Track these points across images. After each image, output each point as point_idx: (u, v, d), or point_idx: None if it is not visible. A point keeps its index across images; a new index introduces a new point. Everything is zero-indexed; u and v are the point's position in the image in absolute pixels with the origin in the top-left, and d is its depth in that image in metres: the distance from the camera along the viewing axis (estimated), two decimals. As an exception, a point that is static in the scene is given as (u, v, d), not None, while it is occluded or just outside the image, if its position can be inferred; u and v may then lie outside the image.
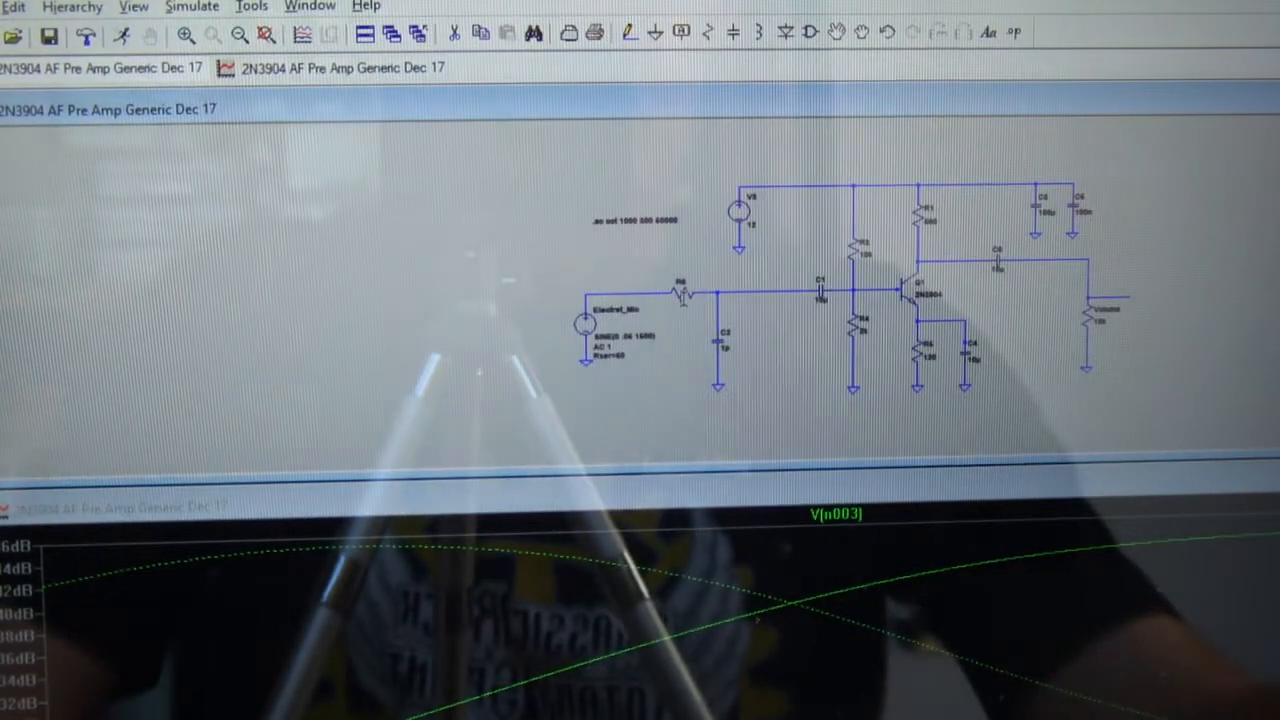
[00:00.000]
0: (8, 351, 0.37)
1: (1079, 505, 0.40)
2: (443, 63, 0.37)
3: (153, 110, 0.37)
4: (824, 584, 0.40)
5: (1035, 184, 0.39)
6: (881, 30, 0.38)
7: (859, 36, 0.38)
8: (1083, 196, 0.39)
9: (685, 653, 0.40)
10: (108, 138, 0.37)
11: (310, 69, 0.37)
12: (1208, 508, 0.40)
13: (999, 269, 0.39)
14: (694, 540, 0.40)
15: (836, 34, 0.38)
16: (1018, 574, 0.40)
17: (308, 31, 0.37)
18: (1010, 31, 0.38)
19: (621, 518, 0.39)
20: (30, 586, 0.38)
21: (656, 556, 0.40)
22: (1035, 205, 0.39)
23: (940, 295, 0.39)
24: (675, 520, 0.39)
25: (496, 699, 0.41)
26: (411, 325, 0.38)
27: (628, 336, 0.38)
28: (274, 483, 0.38)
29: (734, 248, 0.38)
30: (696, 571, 0.40)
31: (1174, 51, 0.39)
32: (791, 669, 0.41)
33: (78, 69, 0.36)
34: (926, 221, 0.39)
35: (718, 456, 0.39)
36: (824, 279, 0.39)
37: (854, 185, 0.39)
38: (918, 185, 0.39)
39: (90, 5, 0.36)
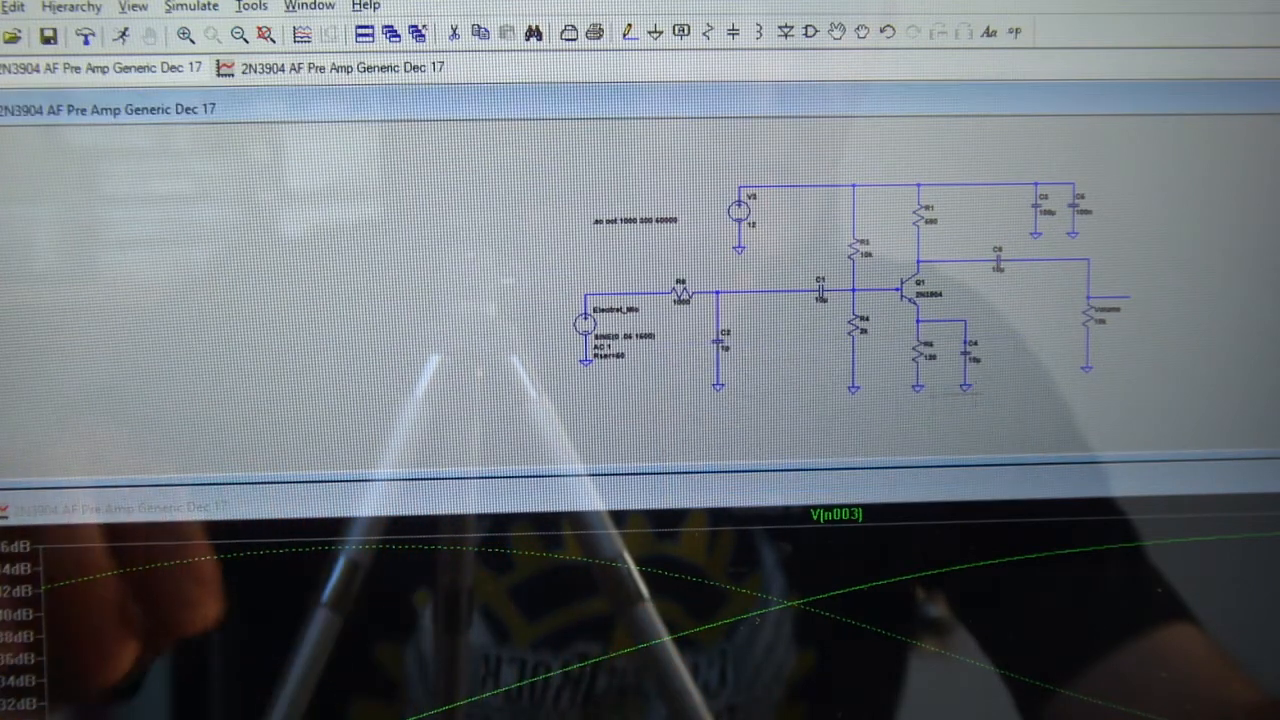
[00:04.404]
0: (7, 351, 0.37)
1: (1080, 506, 0.40)
2: (442, 63, 0.37)
3: (152, 110, 0.37)
4: (824, 584, 0.40)
5: (1035, 184, 0.39)
6: (881, 30, 0.38)
7: (859, 36, 0.38)
8: (1083, 196, 0.39)
9: (686, 655, 0.40)
10: (107, 138, 0.37)
11: (310, 69, 0.37)
12: (1208, 508, 0.40)
13: (999, 269, 0.39)
14: (694, 541, 0.40)
15: (836, 34, 0.38)
16: (1018, 574, 0.40)
17: (307, 31, 0.37)
18: (1010, 31, 0.38)
19: (621, 518, 0.39)
20: (30, 587, 0.38)
21: (657, 557, 0.40)
22: (1035, 205, 0.39)
23: (940, 295, 0.39)
24: (675, 520, 0.39)
25: (498, 700, 0.41)
26: (411, 325, 0.38)
27: (628, 336, 0.38)
28: (274, 483, 0.38)
29: (734, 248, 0.38)
30: (695, 572, 0.40)
31: (1174, 51, 0.39)
32: (791, 669, 0.41)
33: (77, 69, 0.36)
34: (926, 221, 0.39)
35: (718, 456, 0.39)
36: (824, 279, 0.39)
37: (854, 185, 0.39)
38: (918, 185, 0.39)
39: (90, 5, 0.36)
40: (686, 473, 0.39)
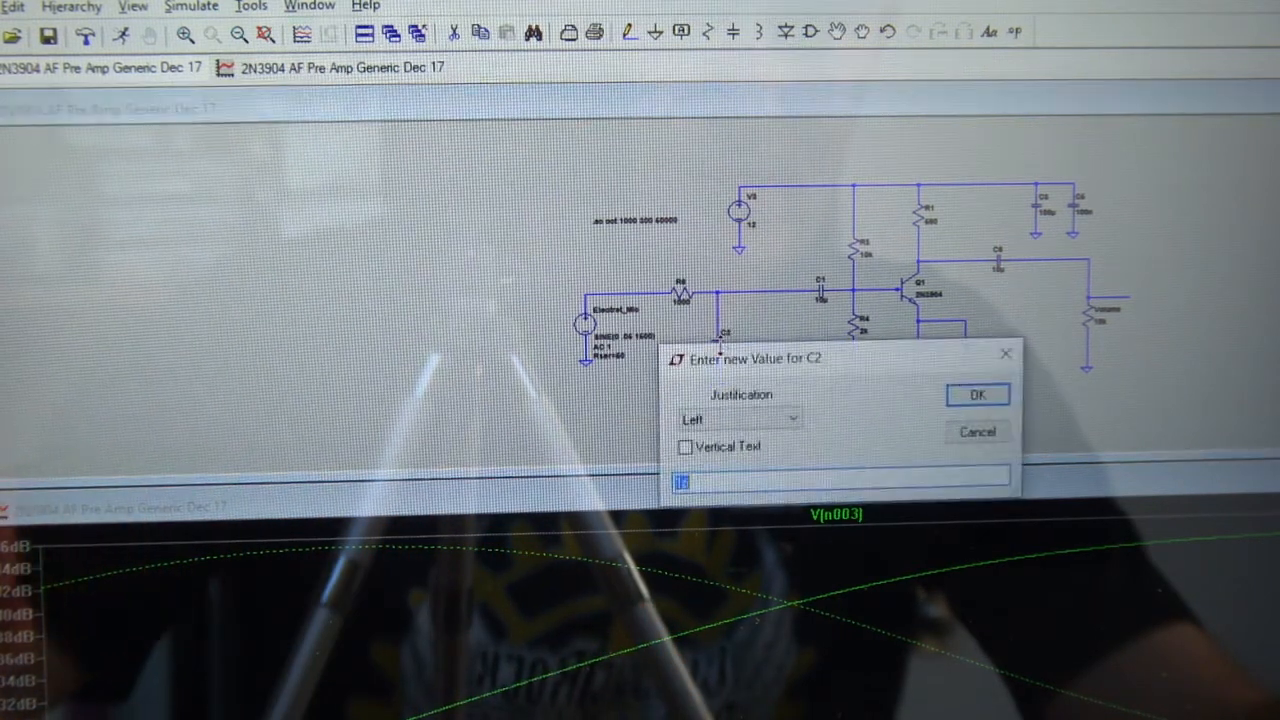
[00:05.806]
0: (7, 351, 0.37)
1: (1080, 506, 0.40)
2: (442, 63, 0.37)
3: (152, 110, 0.37)
4: (824, 584, 0.40)
5: (1035, 184, 0.39)
6: (882, 30, 0.38)
7: (859, 36, 0.38)
8: (1083, 196, 0.39)
9: (686, 653, 0.40)
10: (107, 137, 0.37)
11: (310, 69, 0.37)
12: (1208, 508, 0.40)
13: (999, 269, 0.39)
14: (694, 540, 0.40)
15: (836, 34, 0.38)
16: (1018, 575, 0.40)
17: (307, 31, 0.37)
18: (1010, 31, 0.38)
19: (621, 518, 0.39)
20: (30, 587, 0.38)
21: (657, 556, 0.40)
22: (1035, 205, 0.39)
23: (940, 295, 0.39)
24: (675, 520, 0.39)
25: (497, 699, 0.41)
26: (411, 325, 0.38)
27: (628, 336, 0.38)
28: (274, 483, 0.38)
29: (734, 248, 0.38)
30: (695, 572, 0.40)
31: (1174, 51, 0.39)
32: (790, 669, 0.41)
33: (77, 69, 0.36)
34: (927, 221, 0.39)
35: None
36: (824, 279, 0.39)
37: (854, 185, 0.39)
38: (918, 185, 0.39)
39: (89, 5, 0.36)
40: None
